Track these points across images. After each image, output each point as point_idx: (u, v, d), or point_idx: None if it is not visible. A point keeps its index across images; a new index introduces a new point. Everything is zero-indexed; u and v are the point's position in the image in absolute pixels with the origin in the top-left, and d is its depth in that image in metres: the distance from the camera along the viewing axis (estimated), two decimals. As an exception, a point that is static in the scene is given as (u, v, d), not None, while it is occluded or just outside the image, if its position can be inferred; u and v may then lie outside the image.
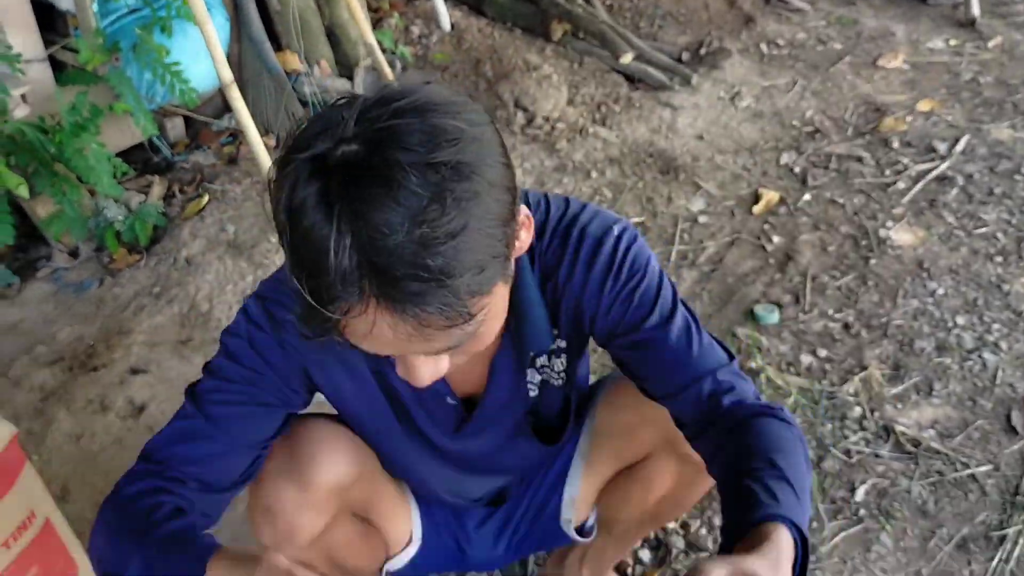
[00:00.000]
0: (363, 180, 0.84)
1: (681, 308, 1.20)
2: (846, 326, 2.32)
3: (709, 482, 1.43)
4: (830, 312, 2.36)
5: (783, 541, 0.95)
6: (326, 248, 0.84)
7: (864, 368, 2.20)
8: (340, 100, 0.91)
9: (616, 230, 1.16)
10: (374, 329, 0.89)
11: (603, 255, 1.15)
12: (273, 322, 1.16)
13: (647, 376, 1.23)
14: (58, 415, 2.21)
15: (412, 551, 1.58)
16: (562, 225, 1.17)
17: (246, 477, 1.22)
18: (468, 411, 1.31)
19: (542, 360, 1.27)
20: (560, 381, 1.30)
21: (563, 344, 1.25)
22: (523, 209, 0.99)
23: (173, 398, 2.23)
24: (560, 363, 1.28)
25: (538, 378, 1.29)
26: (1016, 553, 1.82)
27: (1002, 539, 1.84)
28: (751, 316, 2.36)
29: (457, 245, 0.86)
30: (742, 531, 0.98)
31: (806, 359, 2.24)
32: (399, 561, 1.57)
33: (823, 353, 2.25)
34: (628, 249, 1.16)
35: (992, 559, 1.81)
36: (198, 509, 1.16)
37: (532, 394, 1.30)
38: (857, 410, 2.11)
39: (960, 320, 2.31)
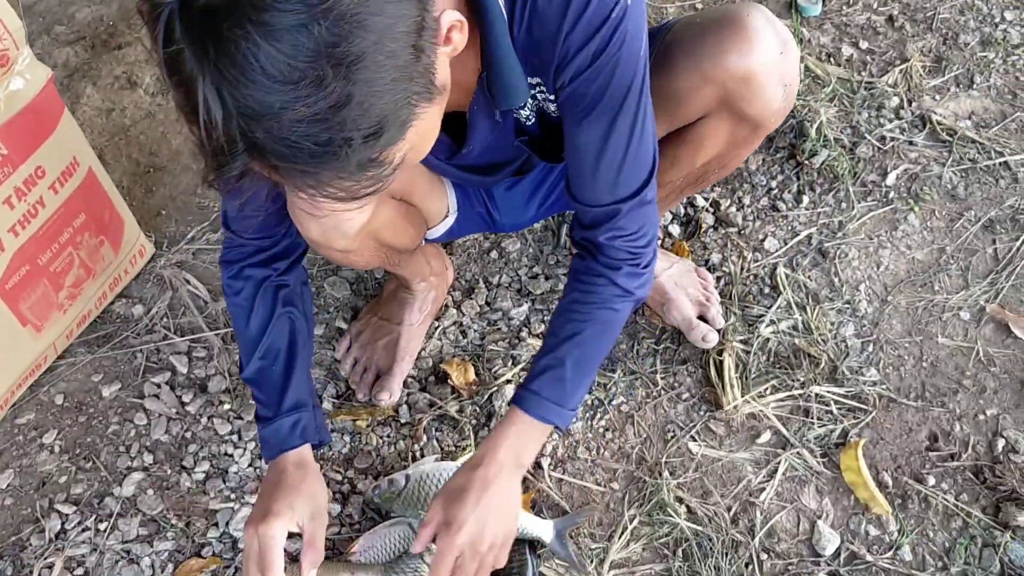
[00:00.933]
0: (229, 44, 0.74)
1: (639, 107, 1.14)
2: (890, 19, 2.24)
3: (758, 141, 1.44)
4: (874, 5, 2.28)
5: (514, 429, 1.31)
6: (205, 119, 0.76)
7: (905, 60, 2.15)
8: None
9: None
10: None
11: (605, 30, 1.06)
12: None
13: (566, 158, 1.25)
14: (85, 91, 2.18)
15: (450, 222, 1.62)
16: None
17: None
18: (458, 140, 1.27)
19: (536, 91, 1.20)
20: (557, 115, 1.24)
21: (551, 97, 1.18)
22: (450, 15, 0.89)
23: (201, 76, 2.20)
24: (554, 107, 1.21)
25: (533, 108, 1.23)
26: (1040, 234, 1.86)
27: (1028, 221, 1.88)
28: (793, 7, 2.28)
29: (344, 116, 0.77)
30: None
31: (847, 50, 2.18)
32: (437, 231, 1.62)
33: (864, 45, 2.19)
34: (627, 29, 1.07)
35: (1017, 239, 1.85)
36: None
37: (529, 123, 1.25)
38: (895, 100, 2.08)
39: (1008, 15, 2.22)
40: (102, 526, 1.54)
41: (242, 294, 1.40)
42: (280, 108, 0.76)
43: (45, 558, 1.50)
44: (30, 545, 1.53)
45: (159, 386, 1.70)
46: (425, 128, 0.90)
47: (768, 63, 1.28)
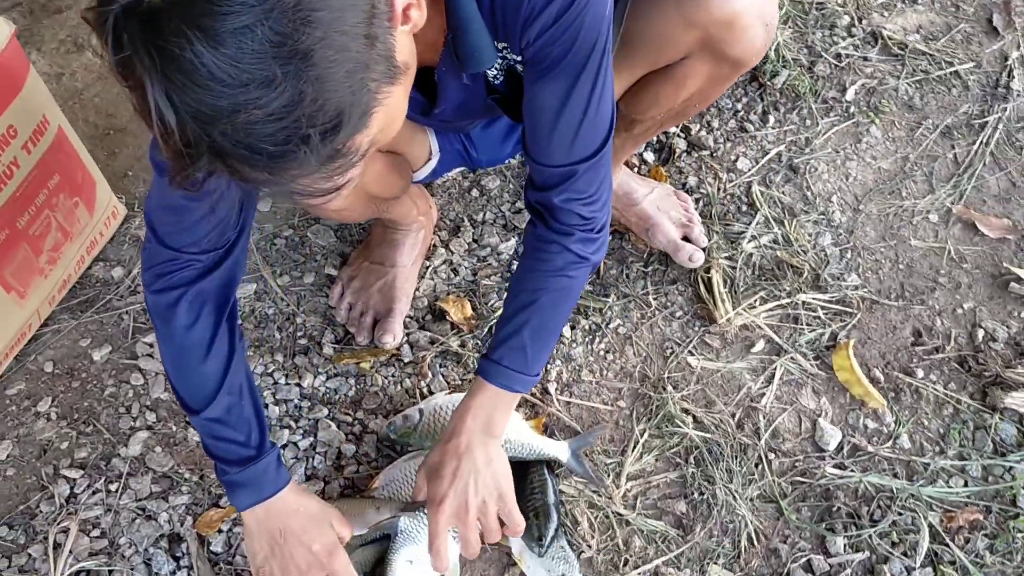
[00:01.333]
0: (173, 50, 0.72)
1: (600, 69, 1.12)
2: (833, -59, 2.30)
3: (738, 76, 1.45)
4: (817, -71, 2.33)
5: (479, 399, 1.32)
6: (159, 124, 0.75)
7: (852, -20, 2.21)
8: None
9: None
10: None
11: None
12: None
13: (524, 117, 1.21)
14: (31, 57, 2.10)
15: (433, 163, 1.62)
16: None
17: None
18: (431, 97, 1.26)
19: (503, 53, 1.18)
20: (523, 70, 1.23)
21: (518, 58, 1.16)
22: None
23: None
24: (520, 67, 1.20)
25: (502, 68, 1.22)
26: (995, 137, 1.94)
27: (983, 126, 1.96)
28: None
29: (299, 114, 0.76)
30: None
31: (795, -27, 2.23)
32: (421, 174, 1.63)
33: (811, -33, 2.25)
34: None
35: (973, 143, 1.93)
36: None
37: (497, 81, 1.24)
38: (846, 19, 2.14)
39: (944, -67, 2.30)
40: (113, 487, 1.52)
41: (196, 329, 1.25)
42: (232, 111, 0.74)
43: (59, 523, 1.47)
44: (40, 512, 1.49)
45: (151, 345, 1.67)
46: (393, 109, 0.89)
47: (750, 4, 1.28)
